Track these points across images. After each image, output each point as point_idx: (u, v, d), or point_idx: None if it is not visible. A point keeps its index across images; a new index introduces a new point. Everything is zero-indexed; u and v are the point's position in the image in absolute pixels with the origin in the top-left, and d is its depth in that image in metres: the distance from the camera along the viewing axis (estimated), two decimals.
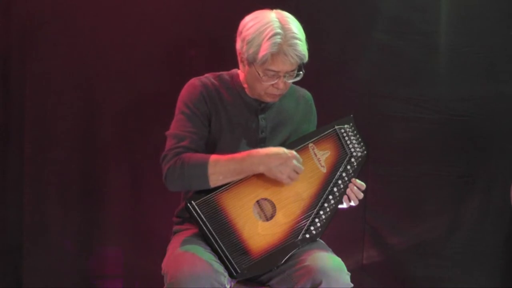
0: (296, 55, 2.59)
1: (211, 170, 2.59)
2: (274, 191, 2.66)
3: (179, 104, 2.73)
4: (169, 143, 2.69)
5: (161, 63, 3.61)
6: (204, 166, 2.59)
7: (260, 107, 2.75)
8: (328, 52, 3.59)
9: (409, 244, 3.68)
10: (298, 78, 2.67)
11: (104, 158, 3.65)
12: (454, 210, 3.66)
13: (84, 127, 3.66)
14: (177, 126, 2.70)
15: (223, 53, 3.20)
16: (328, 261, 2.55)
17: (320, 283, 2.48)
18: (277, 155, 2.59)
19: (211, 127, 2.71)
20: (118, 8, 3.56)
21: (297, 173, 2.61)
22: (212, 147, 2.71)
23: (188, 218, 2.71)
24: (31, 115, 3.62)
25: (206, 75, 2.79)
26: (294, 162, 2.60)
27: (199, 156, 2.62)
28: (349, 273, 2.58)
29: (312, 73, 3.53)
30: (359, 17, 3.59)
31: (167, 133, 2.71)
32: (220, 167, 2.59)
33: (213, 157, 2.61)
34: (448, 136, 3.63)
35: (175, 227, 2.83)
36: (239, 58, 2.70)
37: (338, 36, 3.59)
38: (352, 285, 2.57)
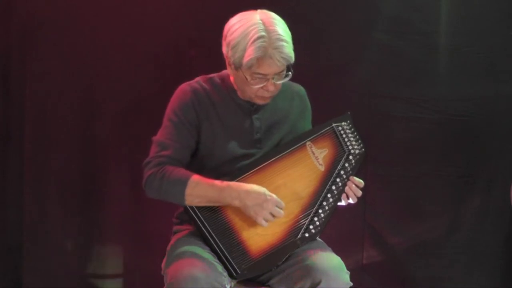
0: (282, 57, 2.55)
1: (188, 190, 2.57)
2: (272, 190, 2.63)
3: (168, 110, 2.71)
4: (153, 150, 2.68)
5: (161, 63, 3.61)
6: (183, 184, 2.57)
7: (253, 108, 2.72)
8: (328, 52, 3.59)
9: (409, 244, 3.68)
10: (287, 79, 2.64)
11: (104, 158, 3.66)
12: (454, 210, 3.66)
13: (84, 127, 3.66)
14: (163, 133, 2.68)
15: (223, 53, 3.20)
16: (327, 260, 2.54)
17: (320, 282, 2.47)
18: (256, 194, 2.56)
19: (202, 133, 2.68)
20: (118, 8, 3.56)
21: (274, 216, 2.58)
22: (207, 152, 2.69)
23: (188, 219, 2.70)
24: (31, 115, 3.63)
25: (197, 79, 2.76)
26: (273, 206, 2.57)
27: (181, 173, 2.60)
28: (348, 272, 2.58)
29: (312, 73, 3.56)
30: (359, 17, 3.59)
31: (153, 138, 2.70)
32: (198, 190, 2.58)
33: (194, 178, 2.58)
34: (448, 136, 3.63)
35: (175, 227, 2.82)
36: (226, 62, 2.67)
37: (338, 36, 3.59)
38: (351, 284, 2.56)
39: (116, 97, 3.62)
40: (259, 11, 2.63)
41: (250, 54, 2.54)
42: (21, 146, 3.65)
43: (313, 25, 3.57)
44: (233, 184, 2.58)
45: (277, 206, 2.58)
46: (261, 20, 2.57)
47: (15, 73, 3.61)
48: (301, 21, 3.56)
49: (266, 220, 2.57)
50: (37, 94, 3.61)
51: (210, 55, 3.55)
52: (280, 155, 2.68)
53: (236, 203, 2.56)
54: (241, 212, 2.61)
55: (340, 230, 3.48)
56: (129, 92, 3.62)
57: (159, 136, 2.69)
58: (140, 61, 3.60)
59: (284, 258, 2.61)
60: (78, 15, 3.56)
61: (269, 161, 2.67)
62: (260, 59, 2.54)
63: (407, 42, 3.60)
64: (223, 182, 2.58)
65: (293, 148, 2.69)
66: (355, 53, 3.61)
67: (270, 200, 2.56)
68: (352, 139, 2.73)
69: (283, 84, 2.67)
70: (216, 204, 2.60)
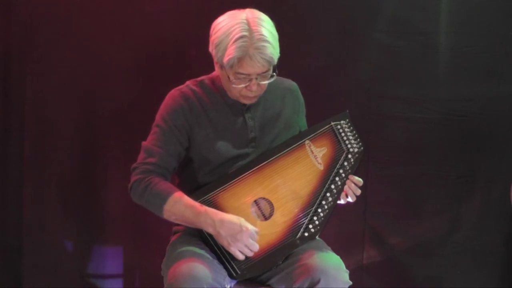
0: (263, 58, 2.52)
1: (167, 207, 2.58)
2: (271, 189, 2.65)
3: (157, 116, 2.71)
4: (140, 156, 2.68)
5: (161, 63, 3.61)
6: (163, 200, 2.58)
7: (245, 107, 2.71)
8: (328, 52, 3.59)
9: (409, 244, 3.68)
10: (272, 80, 2.62)
11: (104, 157, 3.66)
12: (454, 210, 3.65)
13: (84, 127, 3.67)
14: (151, 139, 2.69)
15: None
16: (326, 259, 2.54)
17: (319, 281, 2.47)
18: (231, 224, 2.53)
19: (194, 138, 2.68)
20: (118, 8, 3.57)
21: (250, 249, 2.54)
22: (202, 157, 2.69)
23: None
24: (31, 115, 3.63)
25: (187, 82, 2.75)
26: (248, 238, 2.53)
27: (164, 187, 2.60)
28: (348, 271, 2.58)
29: (312, 73, 3.56)
30: (359, 17, 3.59)
31: (142, 143, 2.70)
32: (176, 209, 2.58)
33: (176, 196, 2.58)
34: (448, 136, 3.62)
35: (175, 228, 2.82)
36: (213, 61, 2.66)
37: (338, 36, 3.59)
38: (350, 283, 2.56)
39: (116, 97, 3.62)
40: (247, 10, 2.61)
41: (230, 53, 2.52)
42: (21, 146, 3.65)
43: (312, 24, 3.57)
44: (210, 211, 2.56)
45: (251, 238, 2.54)
46: (246, 19, 2.56)
47: (15, 73, 3.62)
48: (300, 20, 3.56)
49: (241, 252, 2.54)
50: (37, 94, 3.62)
51: (210, 55, 3.56)
52: (279, 154, 2.69)
53: (210, 230, 2.55)
54: (239, 213, 2.60)
55: (340, 230, 3.48)
56: (129, 92, 3.63)
57: (147, 142, 2.69)
58: (140, 61, 3.60)
59: (284, 258, 2.61)
60: (78, 15, 3.57)
61: (268, 161, 2.68)
62: (240, 59, 2.53)
63: (407, 42, 3.59)
64: (202, 207, 2.57)
65: (292, 147, 2.69)
66: (355, 53, 3.60)
67: (245, 232, 2.53)
68: (351, 137, 2.73)
69: (273, 81, 2.64)
70: (193, 226, 2.60)
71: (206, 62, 3.51)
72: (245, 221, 2.55)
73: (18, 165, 3.66)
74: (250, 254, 2.55)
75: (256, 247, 2.55)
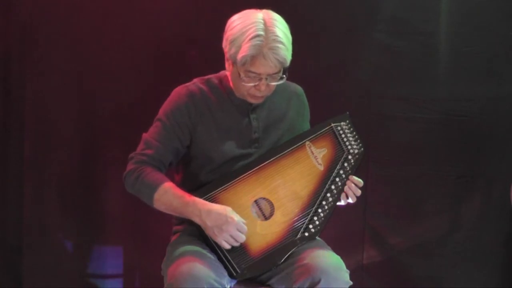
0: (276, 59, 2.54)
1: (157, 196, 2.60)
2: (272, 190, 2.66)
3: (161, 110, 2.73)
4: (139, 147, 2.71)
5: (161, 63, 3.61)
6: (153, 189, 2.60)
7: (250, 107, 2.72)
8: (328, 52, 3.59)
9: (409, 244, 3.68)
10: (281, 82, 2.63)
11: (104, 157, 3.66)
12: (454, 210, 3.65)
13: (84, 127, 3.67)
14: (151, 132, 2.71)
15: (223, 53, 3.21)
16: (327, 259, 2.54)
17: (319, 281, 2.47)
18: (217, 215, 2.54)
19: (197, 136, 2.69)
20: (118, 8, 3.57)
21: (236, 240, 2.55)
22: (205, 155, 2.70)
23: (188, 219, 2.71)
24: (31, 115, 3.63)
25: (194, 80, 2.77)
26: (234, 229, 2.54)
27: (156, 177, 2.62)
28: (348, 271, 2.58)
29: (312, 73, 3.56)
30: (359, 17, 3.59)
31: (143, 135, 2.72)
32: (165, 198, 2.60)
33: (165, 186, 2.60)
34: (448, 136, 3.63)
35: (175, 228, 2.83)
36: (225, 57, 2.67)
37: (338, 36, 3.59)
38: (351, 283, 2.56)
39: (116, 97, 3.62)
40: (264, 10, 2.63)
41: (244, 51, 2.54)
42: (21, 147, 3.65)
43: (313, 24, 3.57)
44: (198, 201, 2.58)
45: (238, 229, 2.55)
46: (263, 19, 2.58)
47: (15, 73, 3.62)
48: (301, 20, 3.56)
49: (227, 242, 2.55)
50: (37, 94, 3.62)
51: (210, 55, 3.56)
52: (280, 154, 2.69)
53: (197, 220, 2.57)
54: (240, 213, 2.60)
55: (340, 230, 3.48)
56: (129, 92, 3.62)
57: (148, 134, 2.72)
58: (140, 61, 3.60)
59: (284, 258, 2.61)
60: (78, 15, 3.56)
61: (269, 161, 2.68)
62: (253, 58, 2.54)
63: (407, 42, 3.59)
64: (190, 197, 2.58)
65: (292, 148, 2.70)
66: (355, 53, 3.61)
67: (231, 223, 2.54)
68: (351, 138, 2.74)
69: (280, 84, 2.65)
70: (181, 216, 2.62)
71: (206, 62, 3.52)
72: (232, 211, 2.56)
73: (18, 165, 3.66)
74: (236, 244, 2.56)
75: (242, 238, 2.56)
